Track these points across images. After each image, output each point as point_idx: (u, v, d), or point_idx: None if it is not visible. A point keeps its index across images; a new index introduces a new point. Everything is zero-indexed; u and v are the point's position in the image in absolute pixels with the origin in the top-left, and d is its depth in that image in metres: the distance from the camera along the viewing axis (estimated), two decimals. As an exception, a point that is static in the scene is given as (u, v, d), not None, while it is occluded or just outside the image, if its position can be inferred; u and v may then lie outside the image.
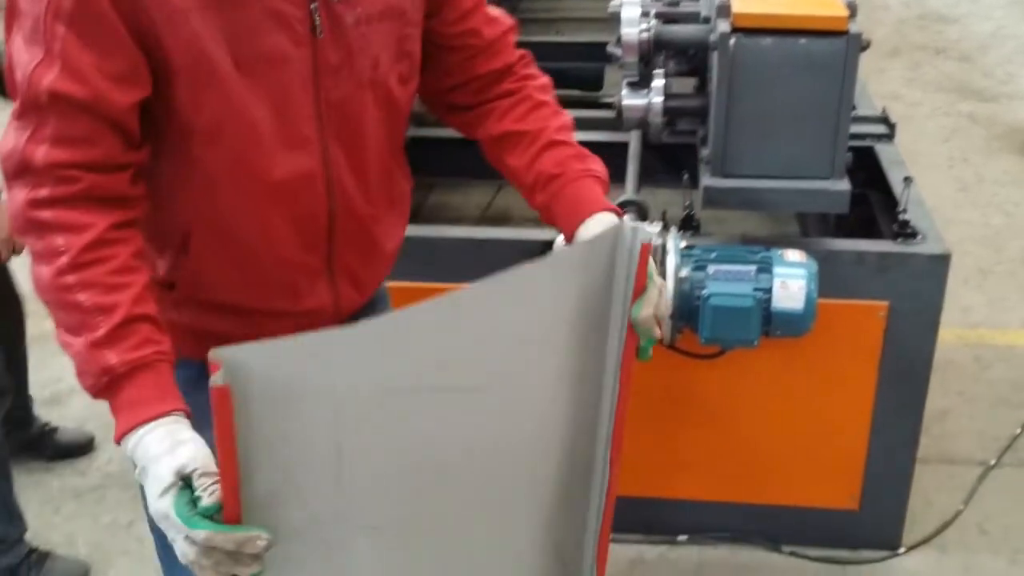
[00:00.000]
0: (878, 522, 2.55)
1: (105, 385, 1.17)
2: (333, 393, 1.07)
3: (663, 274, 2.10)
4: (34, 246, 1.20)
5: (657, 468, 2.48)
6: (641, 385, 2.24)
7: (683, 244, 2.15)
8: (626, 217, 1.43)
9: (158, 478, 1.09)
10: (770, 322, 2.10)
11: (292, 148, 1.32)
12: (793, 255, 2.13)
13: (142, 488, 1.14)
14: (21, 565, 2.48)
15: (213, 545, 1.04)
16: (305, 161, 1.34)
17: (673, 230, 2.19)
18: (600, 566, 1.47)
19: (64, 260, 1.17)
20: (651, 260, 1.28)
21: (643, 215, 2.29)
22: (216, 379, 0.97)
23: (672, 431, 2.44)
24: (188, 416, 1.17)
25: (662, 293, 1.31)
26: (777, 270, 2.09)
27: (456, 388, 1.16)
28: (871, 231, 2.44)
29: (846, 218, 2.56)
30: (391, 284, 1.73)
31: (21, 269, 2.78)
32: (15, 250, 2.38)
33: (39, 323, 2.93)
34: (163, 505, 1.08)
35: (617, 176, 2.46)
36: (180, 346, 1.28)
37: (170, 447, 1.11)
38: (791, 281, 2.09)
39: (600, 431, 1.36)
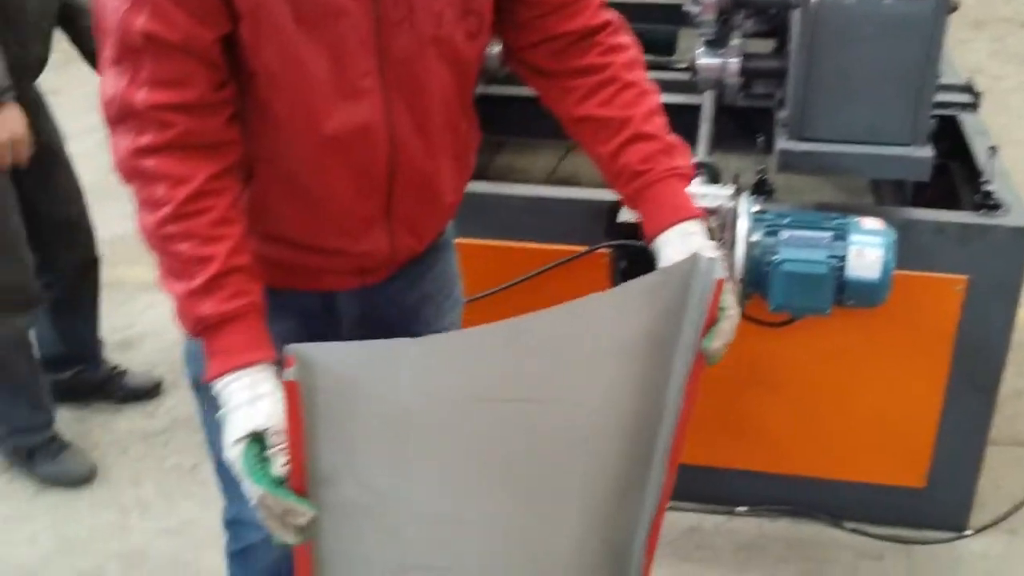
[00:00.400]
0: (945, 502, 2.49)
1: (200, 332, 1.26)
2: (397, 396, 1.13)
3: (732, 239, 2.05)
4: (139, 194, 1.26)
5: (719, 437, 2.44)
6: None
7: (755, 208, 2.09)
8: (701, 241, 1.42)
9: (234, 428, 1.20)
10: (843, 291, 2.04)
11: (351, 100, 1.32)
12: (871, 223, 2.06)
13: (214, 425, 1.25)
14: (39, 449, 2.70)
15: (265, 504, 1.15)
16: (365, 114, 1.33)
17: (745, 194, 2.13)
18: (648, 560, 1.53)
19: (166, 211, 1.23)
20: (726, 292, 1.31)
21: (714, 178, 2.23)
22: (288, 374, 1.06)
23: (736, 400, 2.40)
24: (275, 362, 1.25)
25: (732, 323, 1.34)
26: (853, 237, 2.03)
27: (521, 399, 1.21)
28: (949, 206, 2.35)
29: (923, 192, 2.48)
30: (456, 240, 1.71)
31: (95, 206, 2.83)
32: (16, 157, 2.39)
33: (111, 270, 2.98)
34: (234, 454, 1.19)
35: (689, 139, 2.41)
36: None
37: (250, 399, 1.21)
38: (868, 249, 2.02)
39: (659, 442, 1.41)
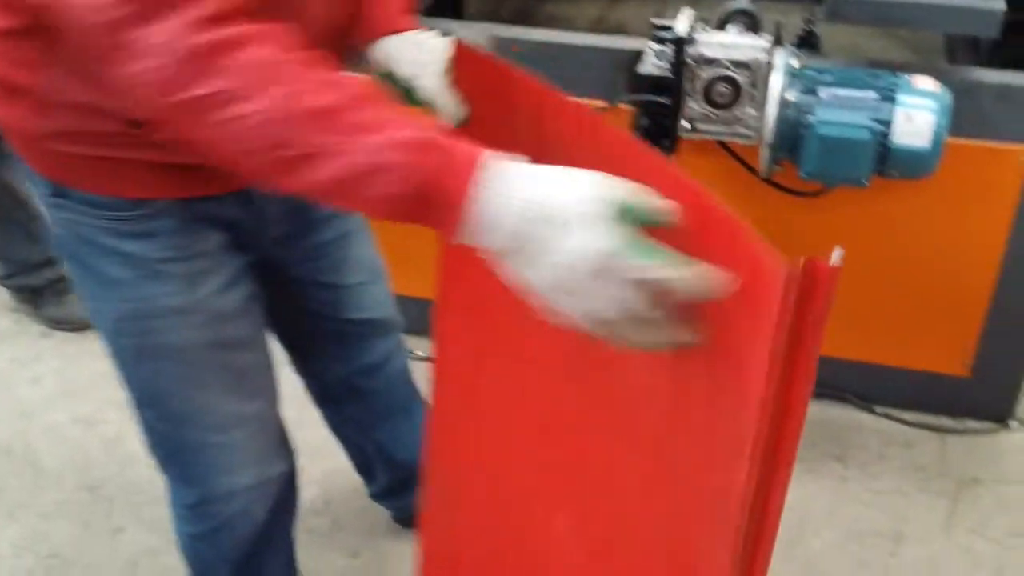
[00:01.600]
0: (989, 392, 2.32)
1: (421, 158, 0.85)
2: None
3: (764, 96, 1.84)
4: (226, 82, 0.87)
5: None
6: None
7: (795, 64, 1.87)
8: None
9: (584, 212, 0.82)
10: (886, 160, 1.82)
11: None
12: (924, 83, 1.82)
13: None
14: (45, 289, 2.70)
15: (669, 282, 0.82)
16: None
17: (785, 47, 1.90)
18: None
19: (292, 70, 0.89)
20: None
21: (753, 27, 1.99)
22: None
23: (764, 274, 2.22)
24: None
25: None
26: (902, 99, 1.79)
27: None
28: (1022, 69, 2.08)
29: (999, 54, 2.21)
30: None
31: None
32: None
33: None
34: (605, 241, 0.82)
35: (733, -18, 2.16)
36: (165, 188, 1.16)
37: (562, 177, 0.86)
38: (917, 113, 1.79)
39: None
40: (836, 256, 0.78)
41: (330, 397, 1.82)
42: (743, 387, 0.85)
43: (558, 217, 0.83)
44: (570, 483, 1.25)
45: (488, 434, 1.39)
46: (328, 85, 0.89)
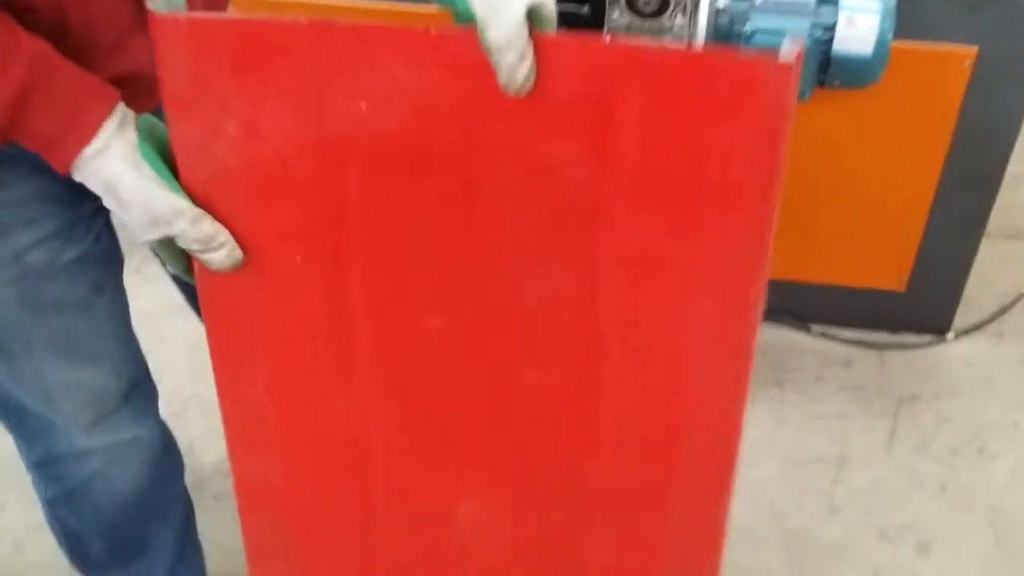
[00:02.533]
0: (927, 304, 2.23)
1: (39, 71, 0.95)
2: None
3: (694, 4, 1.65)
4: None
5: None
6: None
7: (726, -37, 1.69)
8: None
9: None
10: (828, 69, 1.67)
11: None
12: (866, -18, 1.66)
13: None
14: None
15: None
16: None
17: (715, -56, 1.71)
18: None
19: None
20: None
21: (678, -78, 1.80)
22: None
23: (695, 194, 2.08)
24: None
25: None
26: (844, 2, 1.64)
27: None
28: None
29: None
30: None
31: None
32: None
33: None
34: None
35: None
36: None
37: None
38: (861, 17, 1.63)
39: None
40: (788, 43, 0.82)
41: None
42: (739, 194, 0.88)
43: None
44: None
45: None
46: None
